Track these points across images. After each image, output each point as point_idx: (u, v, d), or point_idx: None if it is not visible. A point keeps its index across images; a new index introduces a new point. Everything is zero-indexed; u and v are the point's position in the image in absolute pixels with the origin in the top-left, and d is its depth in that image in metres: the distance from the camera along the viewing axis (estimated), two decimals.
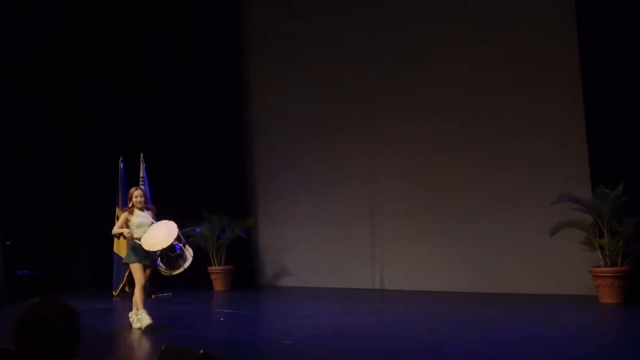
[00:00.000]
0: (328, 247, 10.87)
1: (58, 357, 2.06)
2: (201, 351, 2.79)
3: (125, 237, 7.90)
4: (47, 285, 10.54)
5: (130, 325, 7.62)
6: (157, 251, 7.39)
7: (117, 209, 11.25)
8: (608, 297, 7.84)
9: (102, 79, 12.06)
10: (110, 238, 11.23)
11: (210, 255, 11.23)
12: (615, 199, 7.77)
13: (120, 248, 11.17)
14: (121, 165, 11.30)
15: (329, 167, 10.90)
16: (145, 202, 10.98)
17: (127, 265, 10.97)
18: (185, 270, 11.90)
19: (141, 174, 11.17)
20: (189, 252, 7.63)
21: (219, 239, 11.19)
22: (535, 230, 8.67)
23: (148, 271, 7.57)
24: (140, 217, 7.68)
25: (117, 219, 11.17)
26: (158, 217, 11.22)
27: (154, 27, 12.44)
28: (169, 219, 11.28)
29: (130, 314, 7.69)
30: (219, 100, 11.88)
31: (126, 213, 7.74)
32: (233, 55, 12.00)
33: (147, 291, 10.67)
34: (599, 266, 7.98)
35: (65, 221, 11.79)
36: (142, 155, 11.22)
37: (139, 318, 7.51)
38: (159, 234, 7.51)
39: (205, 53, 11.97)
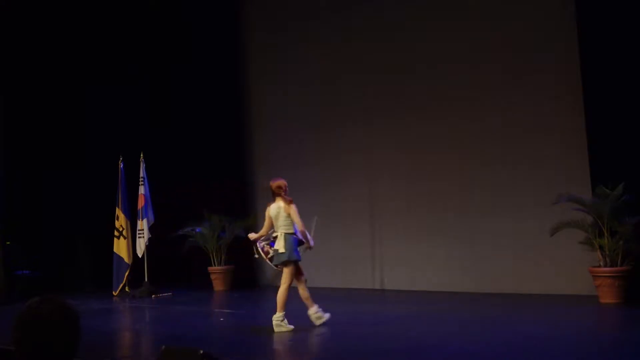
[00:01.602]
0: (328, 247, 10.84)
1: (58, 357, 2.06)
2: (201, 351, 2.78)
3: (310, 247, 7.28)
4: (47, 285, 10.54)
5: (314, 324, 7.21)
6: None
7: (117, 209, 11.24)
8: (608, 297, 7.84)
9: (102, 79, 12.05)
10: (110, 238, 11.25)
11: (210, 255, 11.23)
12: (615, 199, 7.77)
13: (121, 248, 11.17)
14: (121, 165, 11.30)
15: (329, 167, 10.91)
16: (145, 202, 11.08)
17: (127, 265, 11.07)
18: (186, 269, 11.90)
19: (141, 174, 11.17)
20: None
21: (219, 239, 11.19)
22: (535, 230, 8.67)
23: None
24: None
25: (117, 219, 11.22)
26: (161, 217, 11.26)
27: (154, 28, 12.44)
28: (169, 219, 11.35)
29: (310, 313, 7.19)
30: (219, 100, 11.89)
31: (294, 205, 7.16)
32: (233, 55, 12.00)
33: (149, 291, 10.71)
34: (599, 266, 7.98)
35: (65, 221, 11.78)
36: (142, 155, 11.21)
37: (319, 316, 7.19)
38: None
39: (205, 53, 11.97)
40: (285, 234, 7.05)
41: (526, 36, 9.12)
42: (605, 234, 7.86)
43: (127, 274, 11.08)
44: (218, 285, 11.26)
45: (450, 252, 9.64)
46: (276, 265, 7.22)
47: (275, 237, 7.16)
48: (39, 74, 11.61)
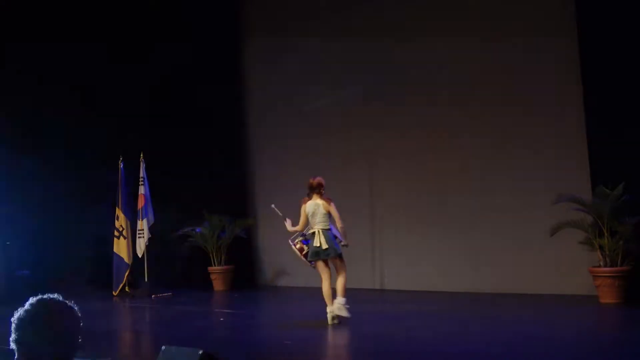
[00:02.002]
0: None
1: (58, 357, 2.06)
2: (201, 351, 2.78)
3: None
4: (47, 285, 10.51)
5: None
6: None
7: (117, 209, 11.24)
8: (608, 297, 7.84)
9: (102, 78, 12.04)
10: (110, 238, 11.24)
11: (210, 255, 11.23)
12: (615, 199, 7.77)
13: (121, 248, 11.17)
14: (121, 165, 11.29)
15: (329, 167, 10.88)
16: (145, 202, 11.08)
17: (127, 265, 11.08)
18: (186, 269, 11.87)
19: (141, 174, 11.17)
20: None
21: (219, 239, 11.19)
22: (535, 230, 8.67)
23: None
24: None
25: (117, 219, 11.22)
26: (158, 216, 11.27)
27: (154, 27, 12.43)
28: (169, 218, 11.35)
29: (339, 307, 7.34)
30: (219, 100, 11.87)
31: None
32: (233, 55, 12.00)
33: (149, 291, 10.72)
34: (599, 266, 7.98)
35: (65, 221, 11.77)
36: (142, 155, 11.21)
37: (332, 317, 7.30)
38: None
39: (205, 52, 11.97)
40: (323, 230, 7.27)
41: (526, 36, 9.12)
42: (605, 234, 7.86)
43: (127, 274, 11.07)
44: (218, 285, 11.25)
45: (451, 252, 9.64)
46: (310, 262, 7.37)
47: (309, 235, 7.38)
48: (40, 73, 11.58)
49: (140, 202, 11.10)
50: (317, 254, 7.26)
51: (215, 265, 11.28)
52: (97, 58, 12.05)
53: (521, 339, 6.30)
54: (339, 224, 7.33)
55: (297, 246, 7.42)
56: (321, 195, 7.38)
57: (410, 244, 10.08)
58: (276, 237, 11.64)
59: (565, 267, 8.63)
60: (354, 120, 10.66)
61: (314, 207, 7.33)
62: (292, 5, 11.53)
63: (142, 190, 11.12)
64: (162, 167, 11.75)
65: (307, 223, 7.43)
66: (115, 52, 12.20)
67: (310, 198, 7.42)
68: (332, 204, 7.36)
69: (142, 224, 10.99)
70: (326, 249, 7.22)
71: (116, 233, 11.23)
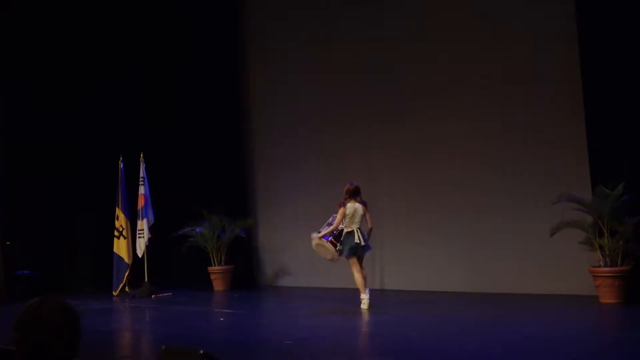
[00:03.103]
0: None
1: (58, 357, 2.06)
2: (201, 351, 2.78)
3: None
4: (47, 285, 10.53)
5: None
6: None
7: (117, 209, 11.23)
8: (608, 297, 7.85)
9: (102, 79, 12.05)
10: (110, 238, 11.24)
11: (210, 255, 11.23)
12: (615, 199, 7.77)
13: (121, 248, 11.17)
14: (121, 165, 11.29)
15: (329, 167, 10.91)
16: (145, 202, 11.08)
17: (127, 265, 11.08)
18: (186, 269, 11.87)
19: (141, 174, 11.16)
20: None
21: (219, 239, 11.18)
22: (535, 230, 8.68)
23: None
24: None
25: (117, 219, 11.22)
26: (158, 215, 11.28)
27: (154, 28, 12.44)
28: (169, 219, 11.36)
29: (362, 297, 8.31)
30: (218, 100, 11.88)
31: None
32: (233, 55, 12.00)
33: (149, 291, 10.72)
34: (599, 266, 7.99)
35: (65, 221, 11.77)
36: (142, 155, 11.21)
37: (366, 301, 8.29)
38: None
39: (205, 53, 11.97)
40: (360, 229, 8.24)
41: (526, 36, 9.12)
42: (605, 234, 7.86)
43: (127, 274, 11.06)
44: (218, 285, 11.25)
45: (450, 252, 9.64)
46: (340, 255, 8.29)
47: (338, 232, 8.25)
48: (39, 73, 11.59)
49: (140, 202, 11.09)
50: (356, 250, 8.18)
51: (215, 265, 11.27)
52: (97, 58, 12.07)
53: (521, 339, 6.30)
54: (370, 224, 8.31)
55: (329, 242, 8.28)
56: (362, 200, 8.33)
57: (410, 244, 10.08)
58: (276, 237, 11.67)
59: (565, 267, 8.64)
60: (353, 119, 10.66)
61: (353, 209, 8.24)
62: (292, 5, 11.52)
63: (142, 190, 11.11)
64: (162, 167, 11.75)
65: (340, 224, 8.23)
66: (115, 52, 12.21)
67: (349, 202, 8.27)
68: (367, 208, 8.32)
69: (142, 224, 10.98)
70: (364, 245, 8.21)
71: (116, 233, 11.22)
